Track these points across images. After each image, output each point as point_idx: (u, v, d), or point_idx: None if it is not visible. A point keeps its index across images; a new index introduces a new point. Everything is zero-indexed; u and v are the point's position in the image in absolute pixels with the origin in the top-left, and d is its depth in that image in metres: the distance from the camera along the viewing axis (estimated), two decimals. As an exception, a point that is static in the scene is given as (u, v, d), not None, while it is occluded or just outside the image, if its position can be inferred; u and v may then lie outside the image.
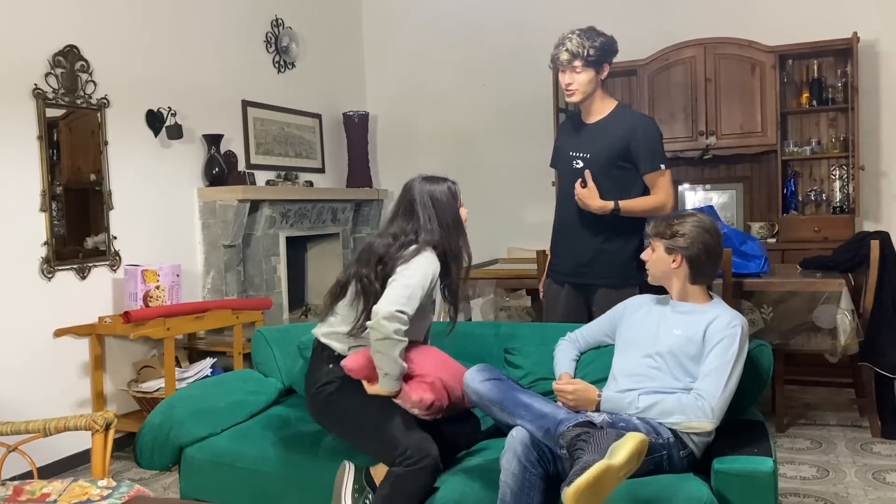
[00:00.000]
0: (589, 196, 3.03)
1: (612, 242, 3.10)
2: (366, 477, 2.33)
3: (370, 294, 2.36)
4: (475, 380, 2.34)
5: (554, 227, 3.30)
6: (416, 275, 2.32)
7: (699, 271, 2.44)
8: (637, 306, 2.61)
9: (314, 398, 2.46)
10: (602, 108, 3.16)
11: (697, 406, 2.22)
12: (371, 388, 2.31)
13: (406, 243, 2.41)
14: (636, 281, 3.05)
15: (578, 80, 3.06)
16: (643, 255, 2.58)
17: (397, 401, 2.30)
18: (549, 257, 3.37)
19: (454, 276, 2.47)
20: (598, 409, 2.32)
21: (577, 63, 3.03)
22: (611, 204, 3.01)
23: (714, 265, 2.49)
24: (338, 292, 2.49)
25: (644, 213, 3.09)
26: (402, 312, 2.24)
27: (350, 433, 2.41)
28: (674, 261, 2.44)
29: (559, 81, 3.15)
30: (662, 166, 3.08)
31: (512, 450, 2.14)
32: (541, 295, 3.45)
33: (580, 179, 3.07)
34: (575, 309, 3.19)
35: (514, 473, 2.11)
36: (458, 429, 2.48)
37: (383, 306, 2.25)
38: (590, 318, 3.09)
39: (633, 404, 2.28)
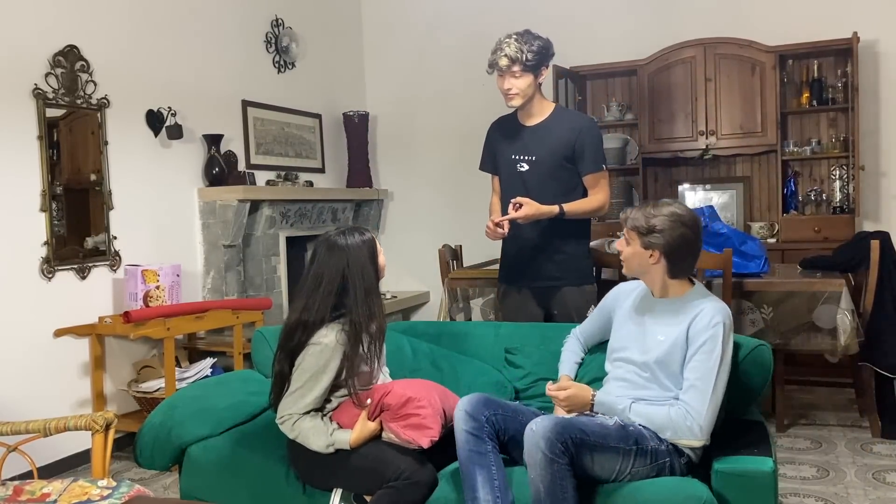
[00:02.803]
0: (530, 206, 2.95)
1: (567, 244, 3.14)
2: (355, 496, 2.32)
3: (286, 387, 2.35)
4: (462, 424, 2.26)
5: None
6: (306, 374, 2.29)
7: (678, 267, 2.35)
8: (626, 295, 2.54)
9: (297, 460, 2.39)
10: (542, 111, 3.18)
11: (686, 426, 2.19)
12: (353, 438, 2.28)
13: (312, 326, 2.31)
14: (592, 279, 3.20)
15: (517, 85, 3.07)
16: (616, 245, 2.47)
17: (403, 441, 2.26)
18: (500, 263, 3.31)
19: (361, 349, 2.31)
20: (592, 410, 2.32)
21: (517, 68, 3.04)
22: (556, 208, 3.01)
23: (694, 257, 2.40)
24: (281, 385, 2.39)
25: (586, 214, 3.14)
26: (294, 412, 2.29)
27: (346, 477, 2.32)
28: (651, 256, 2.33)
29: (498, 86, 3.10)
30: (604, 167, 3.16)
31: (534, 444, 2.08)
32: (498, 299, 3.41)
33: (514, 204, 2.98)
34: (534, 313, 3.18)
35: (541, 467, 2.05)
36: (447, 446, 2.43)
37: (278, 413, 2.33)
38: (549, 319, 3.15)
39: (624, 412, 2.26)
